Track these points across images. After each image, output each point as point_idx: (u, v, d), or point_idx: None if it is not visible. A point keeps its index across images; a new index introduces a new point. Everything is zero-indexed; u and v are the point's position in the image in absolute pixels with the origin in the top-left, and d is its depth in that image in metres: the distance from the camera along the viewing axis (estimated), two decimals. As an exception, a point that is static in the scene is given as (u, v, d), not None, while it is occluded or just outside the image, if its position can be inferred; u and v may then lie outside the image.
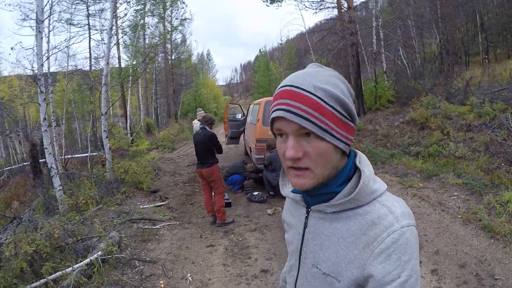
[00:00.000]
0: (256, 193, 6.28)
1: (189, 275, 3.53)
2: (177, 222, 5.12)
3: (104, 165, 7.37)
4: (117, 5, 7.47)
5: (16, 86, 16.09)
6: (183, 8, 26.96)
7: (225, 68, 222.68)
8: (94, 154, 8.35)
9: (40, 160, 7.68)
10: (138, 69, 9.36)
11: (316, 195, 0.75)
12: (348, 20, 11.20)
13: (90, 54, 16.20)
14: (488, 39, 16.71)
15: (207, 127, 5.00)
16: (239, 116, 10.04)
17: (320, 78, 0.66)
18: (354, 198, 0.68)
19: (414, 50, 15.45)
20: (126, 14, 7.80)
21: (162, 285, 3.32)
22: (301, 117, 0.64)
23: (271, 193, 6.24)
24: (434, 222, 4.49)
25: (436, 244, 3.91)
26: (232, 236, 4.59)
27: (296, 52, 35.48)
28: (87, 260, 3.40)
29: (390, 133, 9.27)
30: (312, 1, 12.97)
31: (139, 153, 8.49)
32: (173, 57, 23.14)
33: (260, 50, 57.04)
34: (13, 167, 12.29)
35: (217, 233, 4.71)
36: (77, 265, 3.33)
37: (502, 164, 5.88)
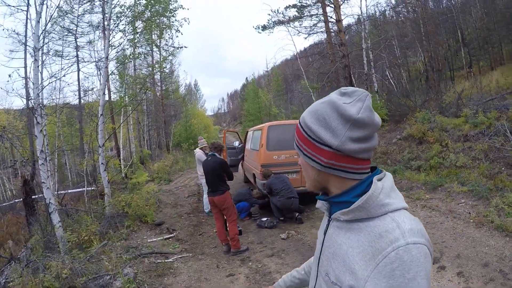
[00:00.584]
0: (265, 219, 6.14)
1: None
2: (190, 254, 4.88)
3: (103, 199, 7.06)
4: (113, 34, 7.46)
5: (4, 121, 15.67)
6: (177, 36, 27.44)
7: (212, 98, 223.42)
8: (90, 188, 8.02)
9: (33, 196, 7.27)
10: (135, 99, 9.27)
11: (336, 203, 0.80)
12: (339, 43, 11.61)
13: (79, 86, 16.10)
14: (470, 53, 17.44)
15: (216, 154, 4.91)
16: (236, 143, 9.96)
17: (310, 108, 0.81)
18: (362, 206, 0.70)
19: (400, 69, 16.04)
20: (120, 44, 7.72)
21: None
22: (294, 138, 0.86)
23: (281, 218, 6.09)
24: (448, 229, 4.60)
25: (455, 248, 4.00)
26: (250, 263, 4.39)
27: (283, 78, 36.21)
28: (104, 301, 3.14)
29: (388, 150, 9.38)
30: (304, 26, 13.50)
31: (138, 186, 8.20)
32: (162, 88, 23.23)
33: (247, 78, 58.16)
34: (3, 204, 11.66)
35: (234, 262, 4.51)
36: (94, 307, 3.07)
37: (503, 168, 6.04)
